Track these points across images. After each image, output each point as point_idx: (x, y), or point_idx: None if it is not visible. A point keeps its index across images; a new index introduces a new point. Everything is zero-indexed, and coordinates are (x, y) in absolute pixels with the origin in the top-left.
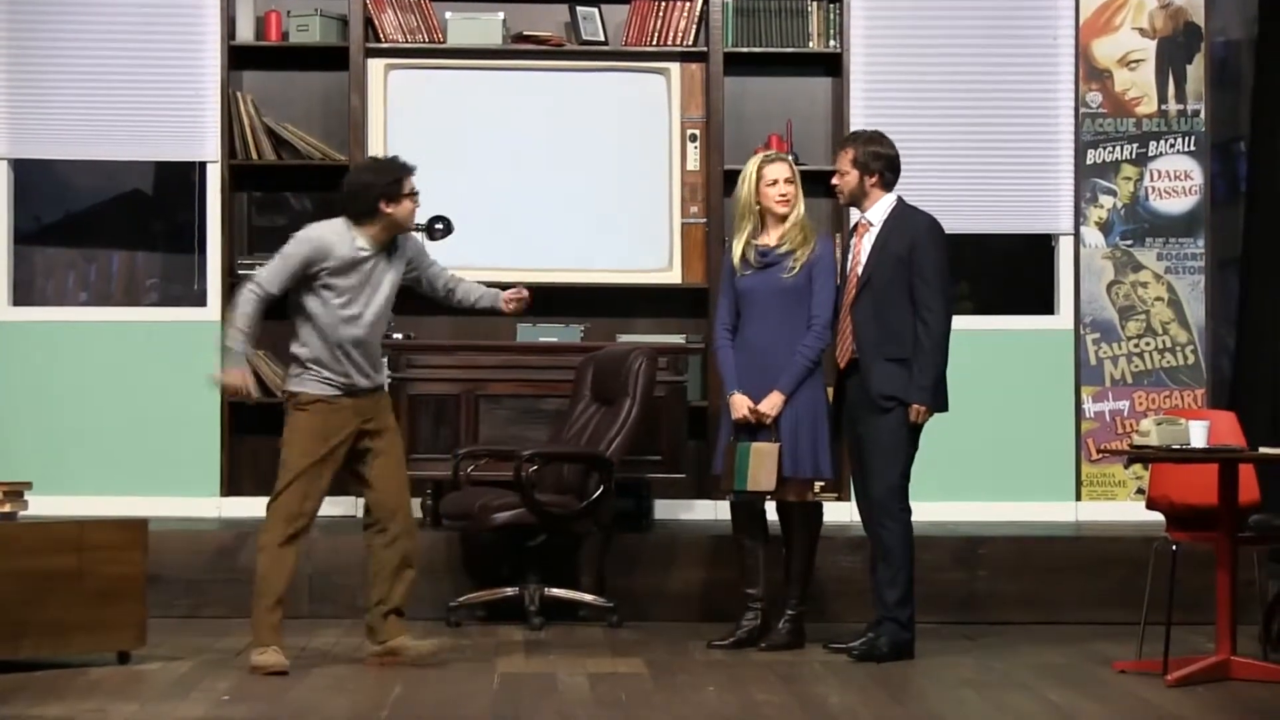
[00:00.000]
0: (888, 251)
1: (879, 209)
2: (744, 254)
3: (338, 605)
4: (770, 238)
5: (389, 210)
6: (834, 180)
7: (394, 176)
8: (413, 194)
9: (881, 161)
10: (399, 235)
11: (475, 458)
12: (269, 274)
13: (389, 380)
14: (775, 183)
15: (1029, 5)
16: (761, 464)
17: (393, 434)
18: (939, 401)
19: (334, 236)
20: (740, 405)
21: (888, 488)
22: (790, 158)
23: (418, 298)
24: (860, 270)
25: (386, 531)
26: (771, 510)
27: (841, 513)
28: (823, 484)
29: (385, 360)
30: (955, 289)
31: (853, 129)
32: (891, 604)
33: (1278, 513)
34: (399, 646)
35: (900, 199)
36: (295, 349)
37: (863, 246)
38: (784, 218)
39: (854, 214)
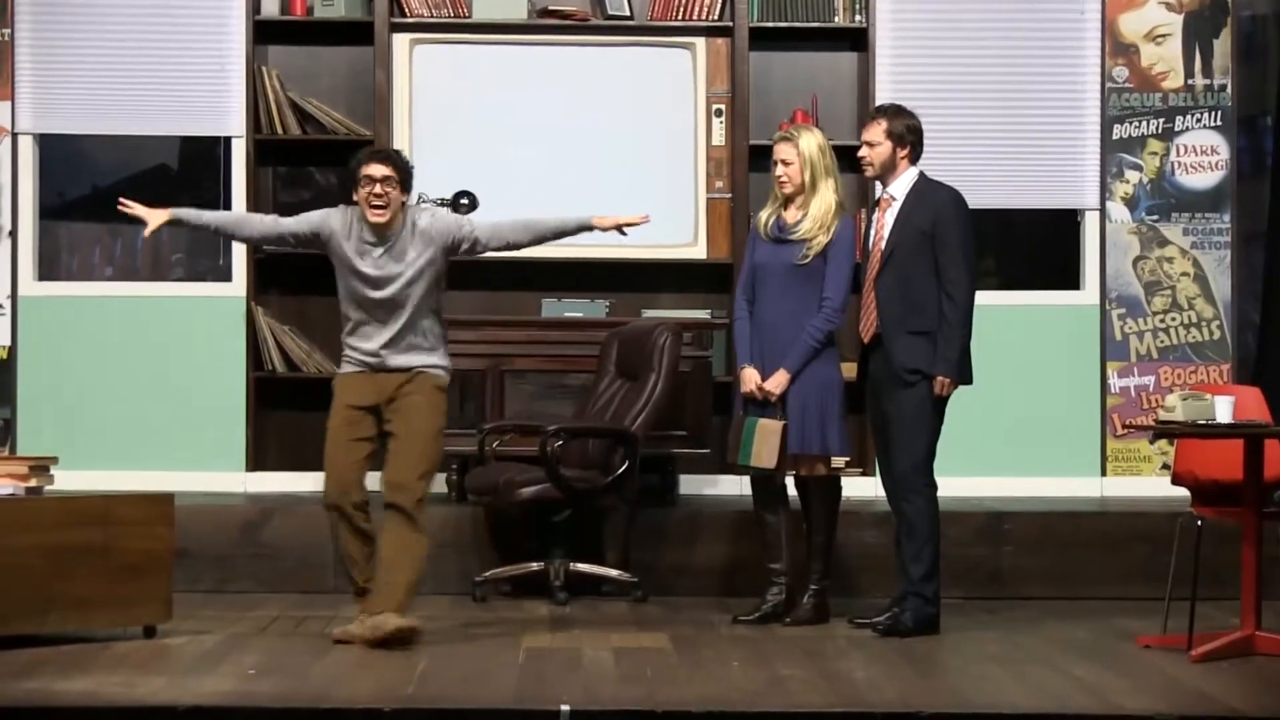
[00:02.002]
0: (911, 225)
1: (902, 183)
2: (766, 223)
3: None
4: (790, 214)
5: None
6: (862, 153)
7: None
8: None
9: (914, 134)
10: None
11: (501, 433)
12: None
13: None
14: (776, 163)
15: None
16: (765, 441)
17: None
18: (963, 374)
19: None
20: (749, 380)
21: (913, 462)
22: (798, 135)
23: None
24: (884, 245)
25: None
26: (793, 486)
27: (866, 488)
28: (847, 459)
29: None
30: (978, 262)
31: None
32: (916, 579)
33: None
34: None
35: (922, 173)
36: (439, 329)
37: (885, 221)
38: (792, 197)
39: (878, 189)
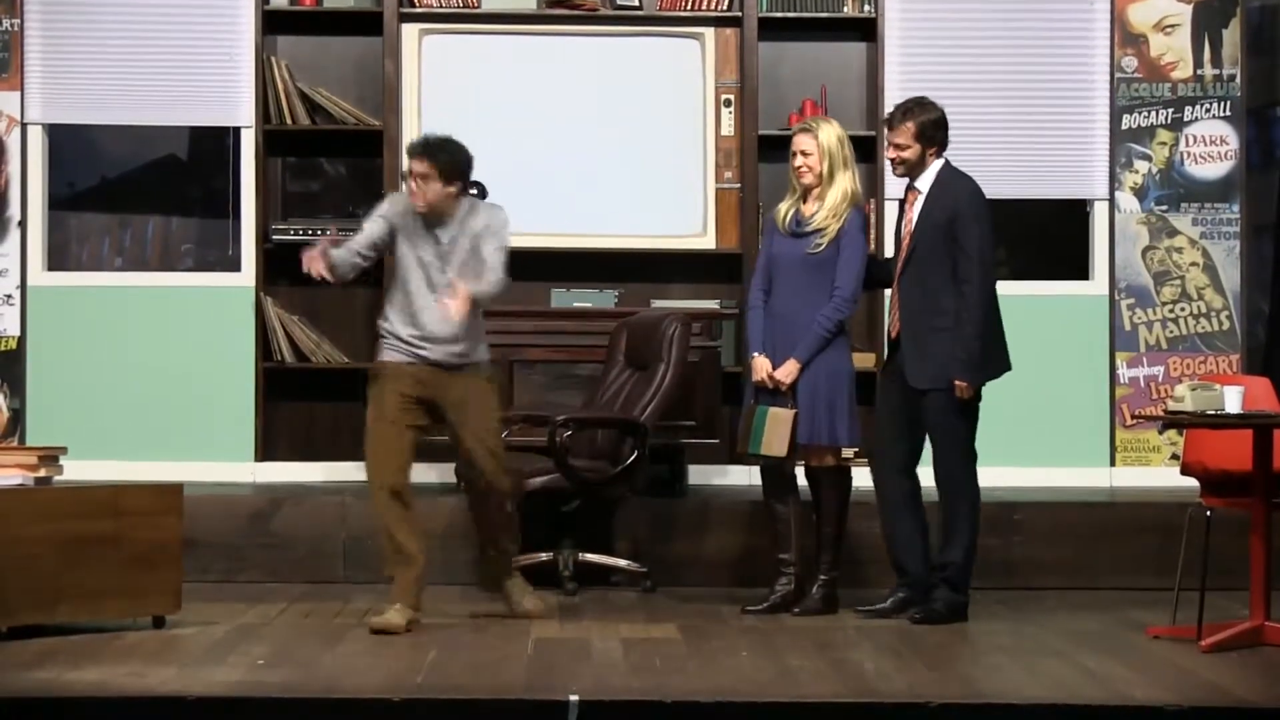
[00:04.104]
0: (931, 220)
1: (928, 175)
2: (784, 217)
3: (372, 571)
4: (808, 207)
5: None
6: (891, 155)
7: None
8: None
9: (941, 131)
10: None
11: (510, 423)
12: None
13: None
14: (795, 154)
15: None
16: (776, 430)
17: None
18: (987, 370)
19: None
20: (760, 368)
21: (952, 467)
22: (817, 126)
23: None
24: (909, 241)
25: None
26: (802, 476)
27: None
28: (856, 450)
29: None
30: (994, 255)
31: (887, 95)
32: (953, 569)
33: None
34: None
35: (947, 161)
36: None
37: (911, 216)
38: (811, 188)
39: (889, 180)
